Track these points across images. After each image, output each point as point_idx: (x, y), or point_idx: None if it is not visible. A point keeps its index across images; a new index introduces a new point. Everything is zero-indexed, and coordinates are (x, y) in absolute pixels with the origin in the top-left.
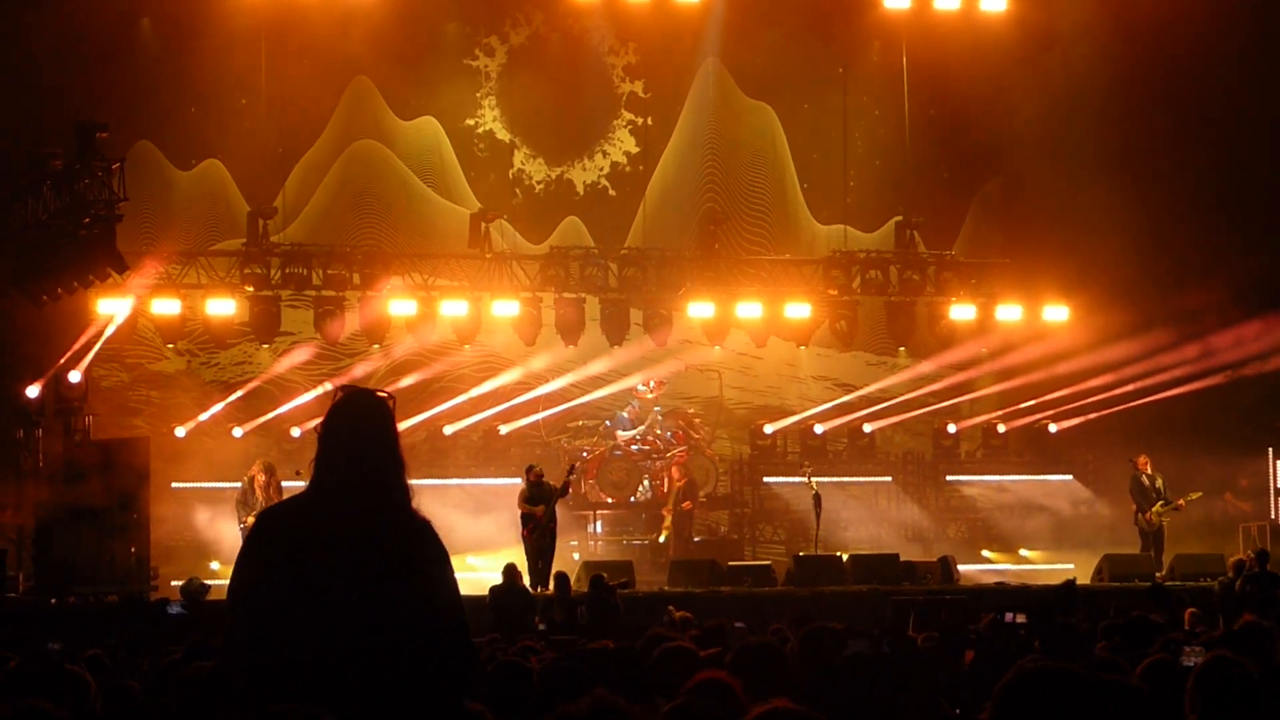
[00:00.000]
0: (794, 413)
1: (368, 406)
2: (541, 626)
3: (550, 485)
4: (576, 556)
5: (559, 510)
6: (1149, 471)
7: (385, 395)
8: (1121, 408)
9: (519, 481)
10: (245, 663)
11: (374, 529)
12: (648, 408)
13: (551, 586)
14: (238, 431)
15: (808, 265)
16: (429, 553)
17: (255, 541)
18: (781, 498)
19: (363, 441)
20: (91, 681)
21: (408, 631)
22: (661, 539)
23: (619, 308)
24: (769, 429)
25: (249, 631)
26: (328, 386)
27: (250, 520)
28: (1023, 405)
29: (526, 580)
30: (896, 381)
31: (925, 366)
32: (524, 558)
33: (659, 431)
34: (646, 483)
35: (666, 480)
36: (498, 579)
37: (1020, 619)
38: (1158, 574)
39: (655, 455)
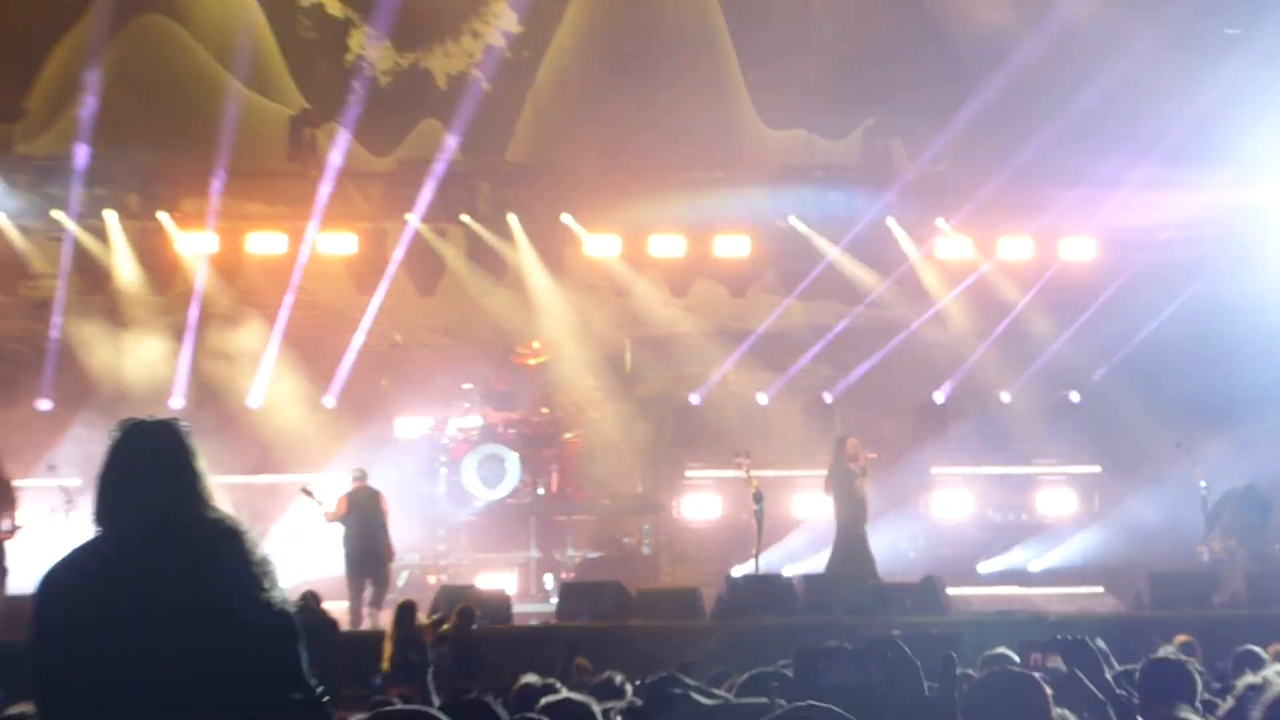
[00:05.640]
0: (728, 382)
1: (150, 437)
2: (377, 679)
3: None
4: (433, 580)
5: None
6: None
7: (171, 420)
8: None
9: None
10: None
11: (170, 563)
12: (532, 378)
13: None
14: None
15: (748, 185)
16: (226, 562)
17: (45, 617)
18: (710, 498)
19: (147, 480)
20: None
21: (224, 657)
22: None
23: (492, 244)
24: (694, 400)
25: None
26: None
27: None
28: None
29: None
30: (864, 338)
31: (904, 314)
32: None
33: (545, 410)
34: (517, 471)
35: (554, 477)
36: None
37: (1051, 663)
38: (1216, 599)
39: (541, 441)
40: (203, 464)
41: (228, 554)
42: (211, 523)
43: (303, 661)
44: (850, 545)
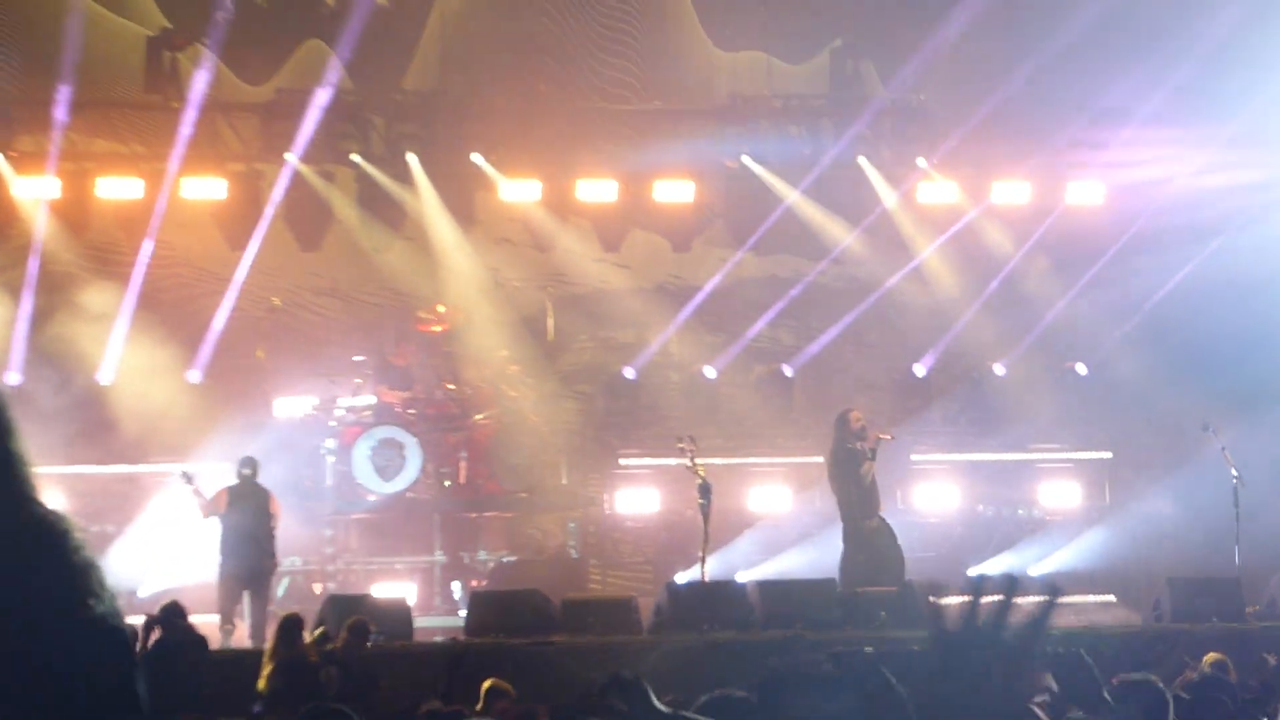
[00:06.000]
0: (670, 352)
1: None
2: (256, 708)
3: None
4: (319, 589)
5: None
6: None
7: None
8: None
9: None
10: None
11: None
12: (436, 349)
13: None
14: None
15: (693, 118)
16: (41, 566)
17: None
18: (648, 491)
19: None
20: None
21: (34, 680)
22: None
23: (388, 188)
24: (629, 374)
25: None
26: None
27: None
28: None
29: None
30: (831, 300)
31: (878, 271)
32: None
33: (451, 387)
34: (418, 460)
35: (463, 467)
36: None
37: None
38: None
39: (447, 423)
40: (21, 446)
41: (44, 557)
42: (27, 519)
43: (137, 688)
44: (863, 545)
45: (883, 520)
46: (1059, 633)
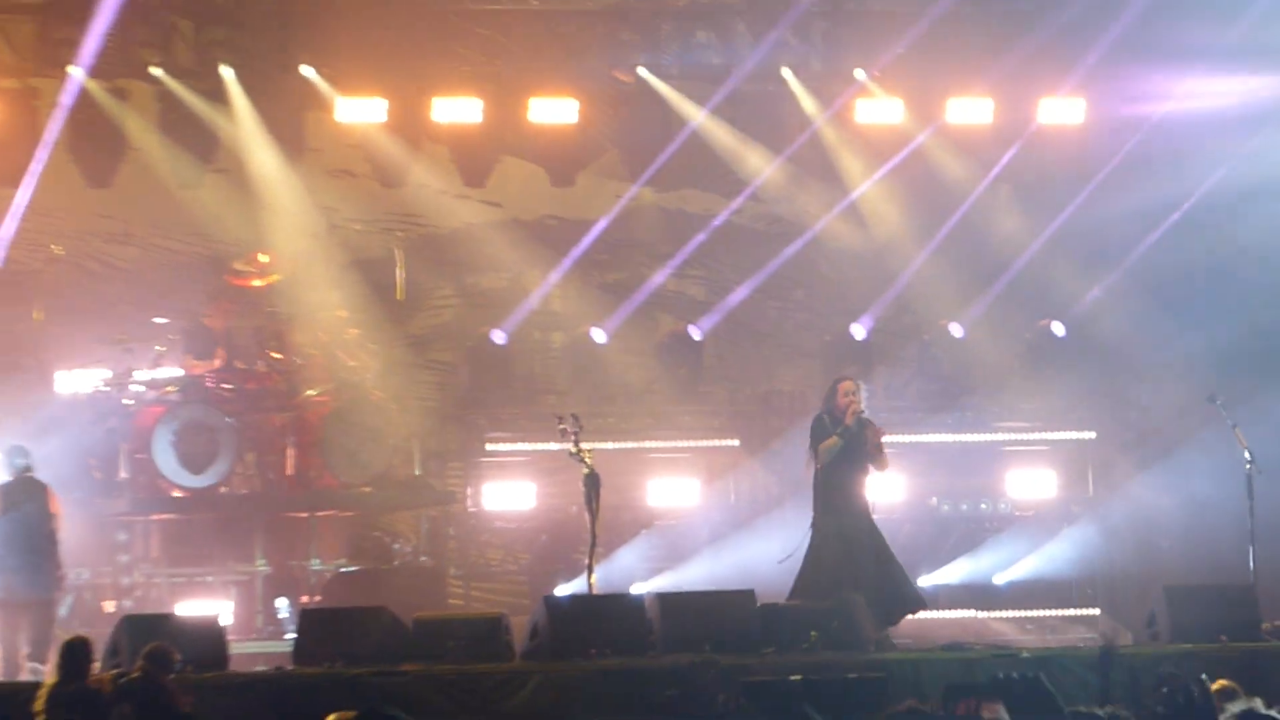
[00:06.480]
0: (549, 311)
1: None
2: None
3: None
4: (111, 607)
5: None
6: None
7: None
8: None
9: None
10: None
11: None
12: (257, 308)
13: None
14: None
15: (577, 20)
16: None
17: None
18: (521, 484)
19: None
20: None
21: None
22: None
23: (197, 109)
24: (498, 338)
25: None
26: None
27: None
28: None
29: None
30: (749, 245)
31: (806, 208)
32: None
33: (276, 356)
34: (234, 447)
35: (290, 455)
36: None
37: (989, 712)
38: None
39: (271, 401)
40: None
41: None
42: None
43: None
44: (817, 548)
45: (852, 523)
46: (1033, 654)
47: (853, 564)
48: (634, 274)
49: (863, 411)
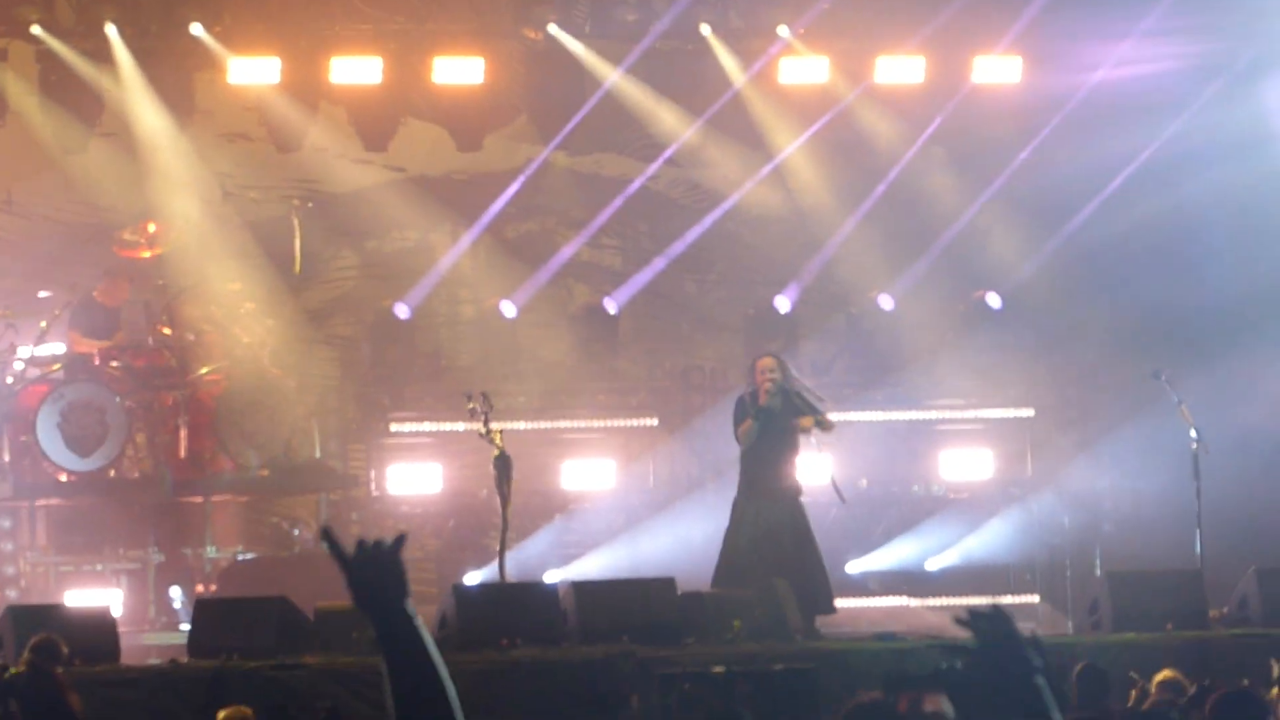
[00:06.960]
0: (455, 283)
1: None
2: None
3: None
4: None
5: None
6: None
7: None
8: None
9: None
10: None
11: None
12: (146, 280)
13: None
14: None
15: None
16: None
17: None
18: (428, 466)
19: None
20: None
21: None
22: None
23: (80, 70)
24: (402, 312)
25: None
26: None
27: None
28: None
29: None
30: (666, 213)
31: (727, 174)
32: None
33: (166, 332)
34: (124, 429)
35: (183, 436)
36: None
37: (932, 705)
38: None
39: (161, 379)
40: None
41: None
42: None
43: None
44: (740, 537)
45: (770, 505)
46: (963, 643)
47: (772, 547)
48: (546, 242)
49: (786, 387)
